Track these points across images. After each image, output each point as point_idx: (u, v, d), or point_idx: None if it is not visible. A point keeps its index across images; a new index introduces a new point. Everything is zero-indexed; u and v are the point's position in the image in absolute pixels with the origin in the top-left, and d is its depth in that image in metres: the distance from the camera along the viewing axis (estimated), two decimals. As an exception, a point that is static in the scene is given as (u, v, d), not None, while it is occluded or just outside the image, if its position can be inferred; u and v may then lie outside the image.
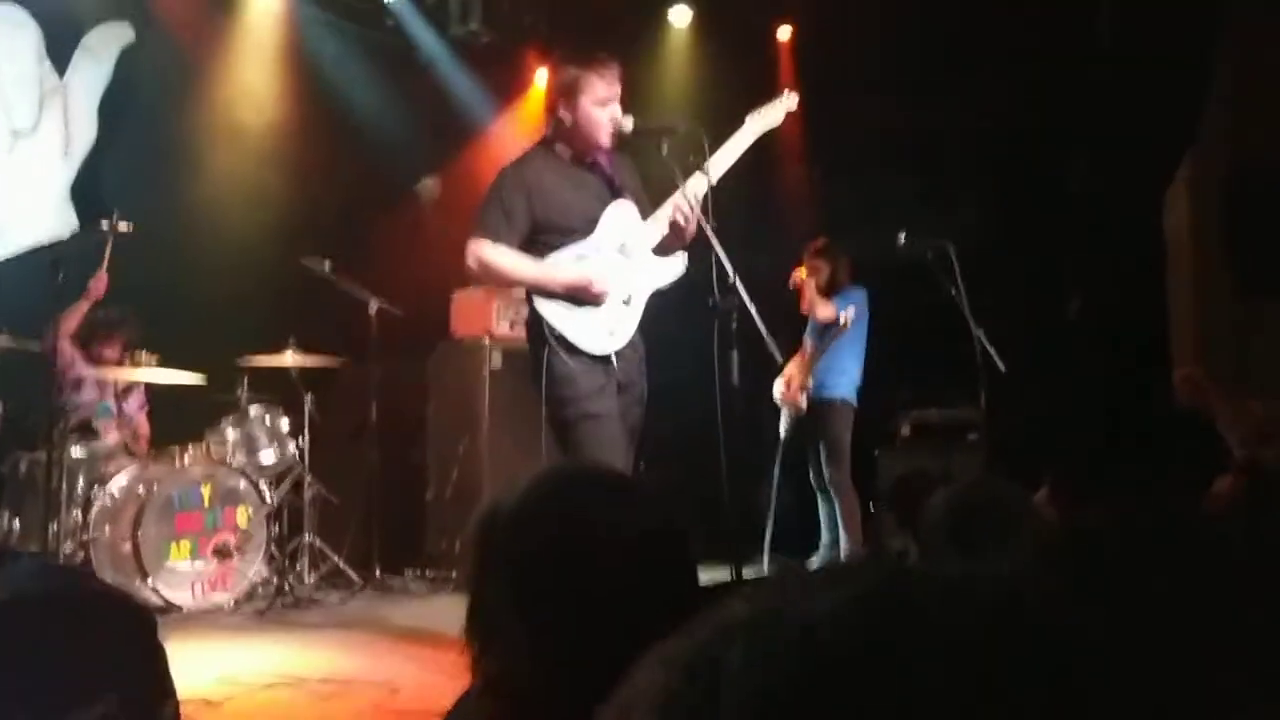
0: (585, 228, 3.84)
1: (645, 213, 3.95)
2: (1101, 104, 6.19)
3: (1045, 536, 1.76)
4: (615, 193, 3.92)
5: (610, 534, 1.27)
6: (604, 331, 3.78)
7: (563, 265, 3.79)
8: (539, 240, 3.82)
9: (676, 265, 3.99)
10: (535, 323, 3.79)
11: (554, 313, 3.75)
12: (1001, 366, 5.04)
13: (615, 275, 3.81)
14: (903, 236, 5.19)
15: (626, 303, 3.85)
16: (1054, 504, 2.43)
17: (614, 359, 3.79)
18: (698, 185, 3.80)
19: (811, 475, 6.17)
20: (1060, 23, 6.37)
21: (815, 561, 6.01)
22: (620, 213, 3.91)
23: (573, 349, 3.73)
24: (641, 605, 1.16)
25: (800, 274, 6.12)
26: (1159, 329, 6.21)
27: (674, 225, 3.83)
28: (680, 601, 1.18)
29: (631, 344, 3.88)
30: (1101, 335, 6.19)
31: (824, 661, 0.42)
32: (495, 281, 3.85)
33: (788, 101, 4.14)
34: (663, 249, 3.94)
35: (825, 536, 6.16)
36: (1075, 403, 5.94)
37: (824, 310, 5.96)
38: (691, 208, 3.76)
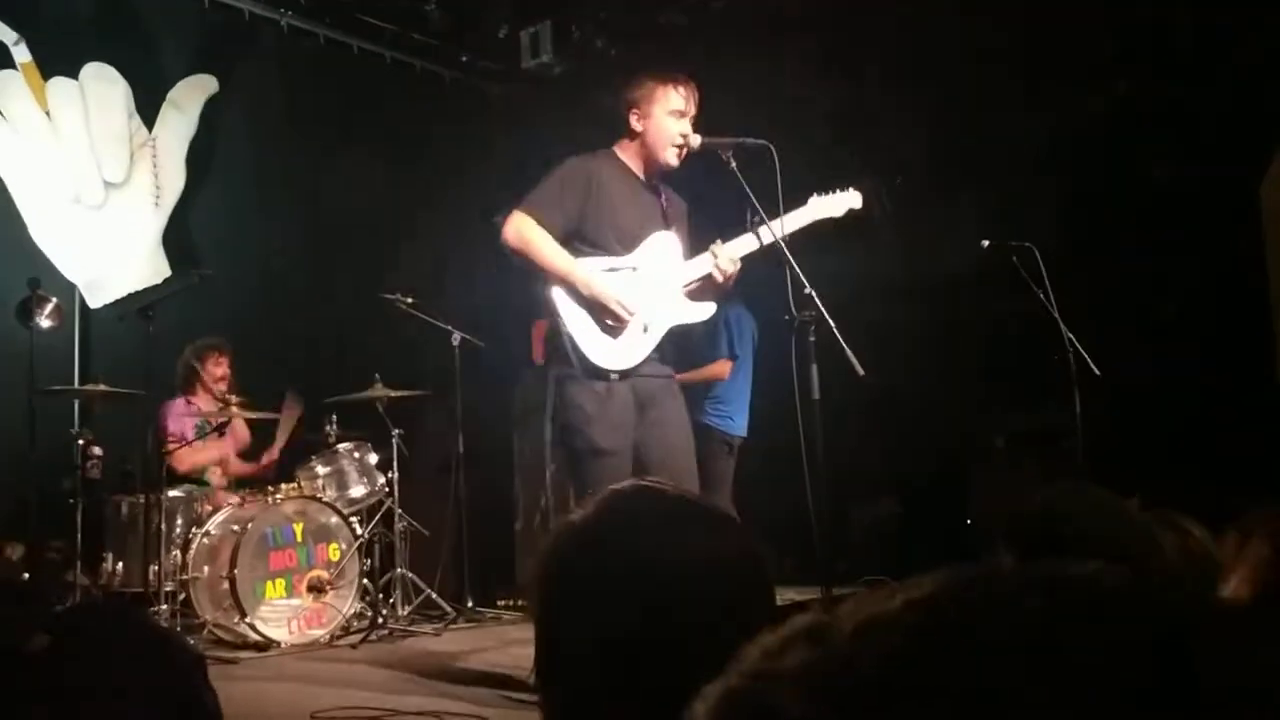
0: (627, 244, 3.80)
1: (685, 251, 3.91)
2: (1185, 90, 6.00)
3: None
4: (665, 221, 3.89)
5: (682, 559, 1.21)
6: (616, 352, 3.71)
7: (598, 277, 3.71)
8: (583, 236, 3.76)
9: (704, 311, 3.91)
10: (554, 337, 3.72)
11: (569, 311, 3.68)
12: (1096, 371, 4.88)
13: (641, 302, 3.75)
14: (986, 243, 5.06)
15: (645, 330, 3.78)
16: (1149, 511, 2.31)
17: (627, 376, 3.71)
18: (747, 244, 3.75)
19: None
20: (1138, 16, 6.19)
21: None
22: (665, 241, 3.87)
23: (584, 361, 3.65)
24: (718, 633, 1.11)
25: None
26: (1260, 324, 5.96)
27: (710, 278, 3.77)
28: (758, 627, 1.13)
29: (656, 368, 3.81)
30: (1199, 336, 5.95)
31: (866, 669, 0.40)
32: (525, 260, 3.72)
33: (852, 200, 4.01)
34: (695, 293, 3.88)
35: None
36: (1172, 406, 5.72)
37: None
38: (731, 260, 3.72)
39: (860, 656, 0.40)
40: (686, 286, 3.87)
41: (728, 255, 3.78)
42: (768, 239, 3.72)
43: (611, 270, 3.75)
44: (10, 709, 0.93)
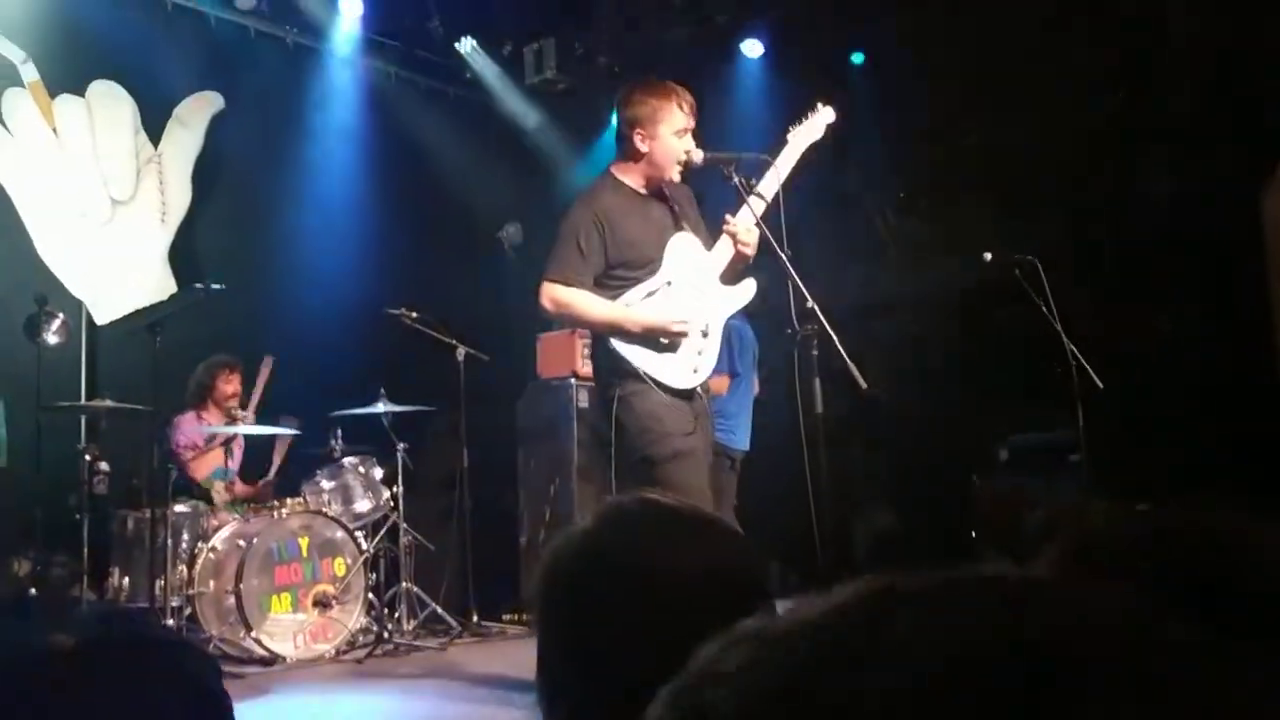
0: (652, 263, 3.82)
1: (704, 239, 3.93)
2: (1182, 105, 6.02)
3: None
4: (676, 224, 3.91)
5: (680, 571, 1.22)
6: (688, 368, 3.73)
7: (639, 308, 3.74)
8: (611, 275, 3.79)
9: (748, 289, 3.95)
10: (607, 359, 3.74)
11: (635, 354, 3.70)
12: (1099, 384, 4.89)
13: (690, 310, 3.78)
14: (988, 255, 5.08)
15: (705, 334, 3.81)
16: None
17: (698, 392, 3.75)
18: (754, 205, 3.79)
19: None
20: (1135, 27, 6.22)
21: None
22: (684, 244, 3.89)
23: (658, 385, 3.68)
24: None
25: None
26: (1261, 335, 5.96)
27: (736, 246, 3.80)
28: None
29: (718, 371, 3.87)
30: (1198, 348, 5.95)
31: (796, 669, 0.42)
32: (570, 323, 3.79)
33: (825, 114, 4.10)
34: (729, 275, 3.90)
35: None
36: (1175, 420, 5.72)
37: None
38: (747, 230, 3.75)
39: (780, 661, 0.42)
40: (722, 274, 3.89)
41: (743, 226, 3.79)
42: (770, 192, 3.76)
43: (649, 295, 3.78)
44: (41, 706, 0.95)
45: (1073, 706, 0.38)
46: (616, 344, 3.70)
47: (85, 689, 0.97)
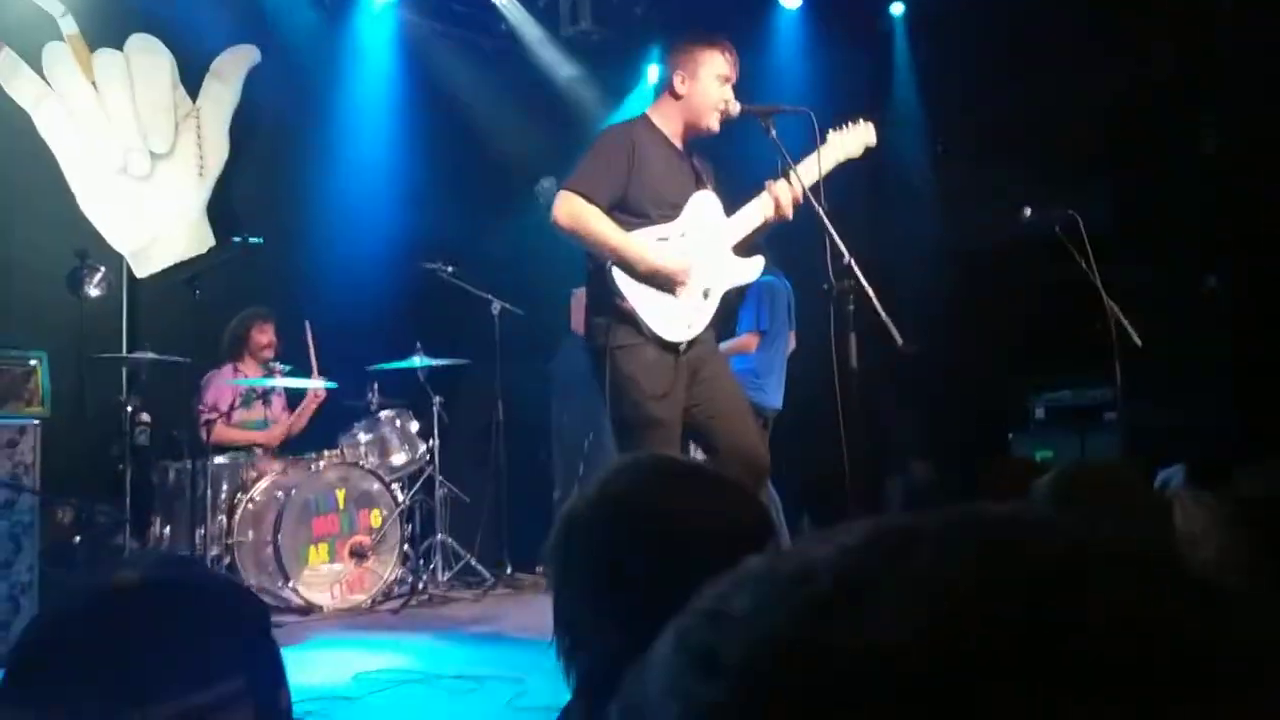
0: (671, 211, 3.78)
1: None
2: (1232, 60, 5.89)
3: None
4: (699, 183, 3.87)
5: (693, 524, 1.23)
6: (682, 322, 3.70)
7: (654, 248, 3.68)
8: (626, 207, 3.72)
9: (756, 266, 3.93)
10: (604, 293, 3.65)
11: (633, 290, 3.64)
12: (1138, 342, 4.83)
13: (700, 265, 3.75)
14: (1028, 211, 5.01)
15: (705, 296, 3.78)
16: (1191, 484, 2.30)
17: (684, 347, 3.72)
18: (780, 189, 3.75)
19: None
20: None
21: None
22: (706, 202, 3.85)
23: (642, 332, 3.63)
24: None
25: None
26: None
27: (777, 208, 3.76)
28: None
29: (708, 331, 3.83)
30: (1244, 310, 5.86)
31: (806, 606, 0.41)
32: (580, 240, 3.68)
33: (866, 135, 4.02)
34: (743, 247, 3.88)
35: None
36: (1212, 384, 5.65)
37: None
38: (786, 189, 3.72)
39: (791, 603, 0.41)
40: (738, 243, 3.86)
41: (783, 187, 3.75)
42: (808, 179, 3.72)
43: (663, 239, 3.73)
44: (108, 635, 0.98)
45: (1073, 638, 0.38)
46: (617, 275, 3.62)
47: (149, 623, 1.00)
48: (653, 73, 7.58)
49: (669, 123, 3.85)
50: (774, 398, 5.61)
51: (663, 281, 3.66)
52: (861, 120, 4.06)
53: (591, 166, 3.72)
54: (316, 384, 6.16)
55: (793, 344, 5.80)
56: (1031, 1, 6.55)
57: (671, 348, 3.67)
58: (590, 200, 3.65)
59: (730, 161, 4.12)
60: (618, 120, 3.96)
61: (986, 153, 6.68)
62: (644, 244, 3.67)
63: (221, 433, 5.80)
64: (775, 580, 0.42)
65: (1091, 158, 6.44)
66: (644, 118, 3.90)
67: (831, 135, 3.94)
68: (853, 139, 4.00)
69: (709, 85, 3.78)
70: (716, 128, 3.83)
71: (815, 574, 0.41)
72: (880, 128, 4.11)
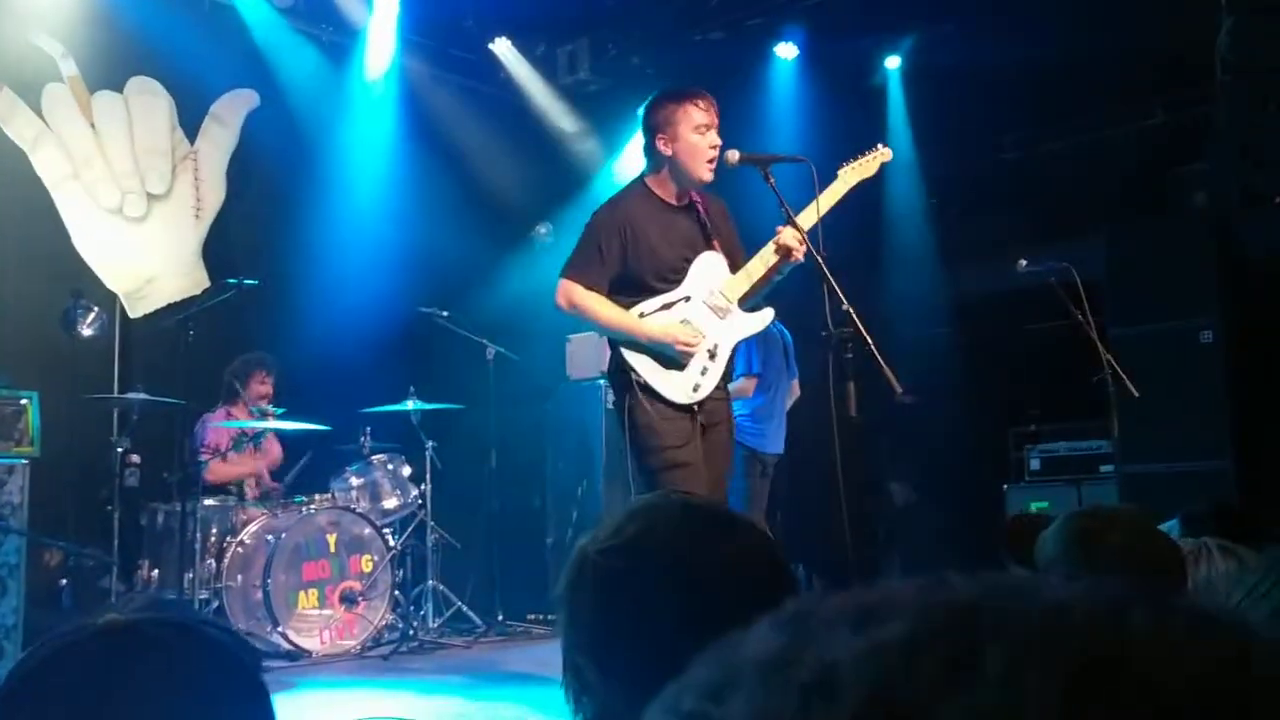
0: (673, 276, 3.82)
1: (739, 254, 3.91)
2: (1222, 120, 5.94)
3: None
4: (707, 239, 3.89)
5: (709, 566, 1.21)
6: (688, 385, 3.75)
7: (651, 320, 3.76)
8: (627, 283, 3.80)
9: (763, 318, 3.95)
10: (619, 370, 3.77)
11: (640, 363, 3.73)
12: (1135, 393, 4.82)
13: (704, 326, 3.79)
14: (1023, 263, 5.03)
15: (712, 355, 3.80)
16: (1188, 534, 2.28)
17: (697, 408, 3.75)
18: (789, 236, 3.76)
19: None
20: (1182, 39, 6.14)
21: None
22: (709, 263, 3.88)
23: (657, 398, 3.70)
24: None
25: None
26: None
27: (791, 255, 3.76)
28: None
29: (722, 389, 3.85)
30: (1235, 362, 5.86)
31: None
32: (584, 321, 3.86)
33: (882, 154, 4.07)
34: (749, 300, 3.90)
35: None
36: (1208, 432, 5.64)
37: None
38: (794, 237, 3.72)
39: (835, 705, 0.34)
40: (748, 293, 3.87)
41: (790, 234, 3.75)
42: (807, 224, 3.72)
43: (666, 306, 3.79)
44: (96, 676, 0.96)
45: None
46: (624, 351, 3.75)
47: (138, 667, 0.97)
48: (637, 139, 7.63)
49: (663, 185, 3.88)
50: (774, 444, 5.59)
51: (667, 349, 3.72)
52: (879, 146, 4.08)
53: (585, 254, 3.82)
54: (306, 427, 6.10)
55: (796, 392, 5.78)
56: (1025, 56, 6.61)
57: (687, 410, 3.74)
58: (587, 286, 3.76)
59: (739, 210, 4.13)
60: (615, 175, 4.01)
61: (984, 204, 6.72)
62: (643, 320, 3.75)
63: (218, 469, 5.78)
64: (786, 688, 0.33)
65: (1088, 209, 6.48)
66: (640, 185, 3.94)
67: (841, 170, 3.97)
68: (867, 163, 4.03)
69: (691, 139, 3.79)
70: (710, 177, 3.84)
71: (839, 688, 0.32)
72: (875, 178, 4.13)
